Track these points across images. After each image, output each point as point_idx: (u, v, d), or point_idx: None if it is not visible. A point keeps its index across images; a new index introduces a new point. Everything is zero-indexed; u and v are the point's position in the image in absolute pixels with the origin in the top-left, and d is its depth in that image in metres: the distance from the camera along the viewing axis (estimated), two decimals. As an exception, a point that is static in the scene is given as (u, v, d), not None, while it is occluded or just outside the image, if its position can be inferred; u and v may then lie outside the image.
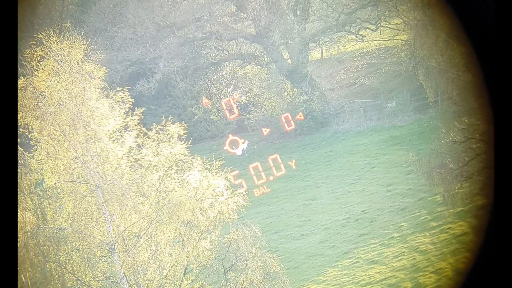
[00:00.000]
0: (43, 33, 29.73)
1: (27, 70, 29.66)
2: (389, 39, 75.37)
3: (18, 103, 29.18)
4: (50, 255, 29.63)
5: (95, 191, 30.08)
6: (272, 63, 73.72)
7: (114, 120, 30.41)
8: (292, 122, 65.81)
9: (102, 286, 30.62)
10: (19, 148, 29.11)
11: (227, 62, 78.44)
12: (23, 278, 29.06)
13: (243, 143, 64.21)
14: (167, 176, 30.92)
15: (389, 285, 40.73)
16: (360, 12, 72.58)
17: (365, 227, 48.34)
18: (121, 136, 30.69)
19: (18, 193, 29.19)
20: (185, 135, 31.37)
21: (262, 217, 54.14)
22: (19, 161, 29.44)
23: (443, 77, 38.84)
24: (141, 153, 30.92)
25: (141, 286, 30.56)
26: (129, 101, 30.70)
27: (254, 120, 73.73)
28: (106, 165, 30.21)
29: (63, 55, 29.76)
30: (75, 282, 29.99)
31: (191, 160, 31.30)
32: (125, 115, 30.64)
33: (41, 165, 30.11)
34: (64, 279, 29.78)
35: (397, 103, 67.87)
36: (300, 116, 67.73)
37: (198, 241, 31.19)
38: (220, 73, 78.76)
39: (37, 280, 29.25)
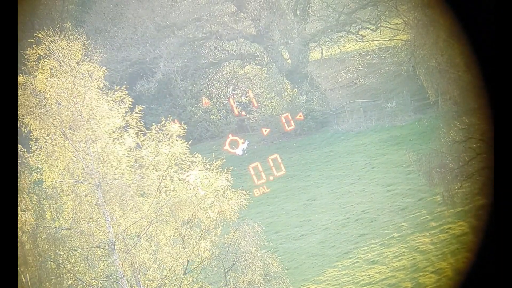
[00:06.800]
0: (43, 33, 29.72)
1: (28, 70, 29.65)
2: (389, 39, 75.38)
3: (18, 103, 29.18)
4: (50, 255, 29.61)
5: (95, 191, 30.06)
6: (272, 63, 73.70)
7: (114, 119, 30.38)
8: (292, 122, 65.82)
9: (102, 285, 30.60)
10: (19, 147, 29.11)
11: (227, 62, 78.44)
12: (23, 278, 29.05)
13: (243, 143, 64.21)
14: (167, 175, 30.90)
15: (389, 285, 40.72)
16: (360, 12, 72.56)
17: (365, 227, 48.33)
18: (121, 135, 30.68)
19: (18, 192, 29.17)
20: (185, 135, 31.34)
21: (262, 217, 54.11)
22: (19, 160, 29.41)
23: (444, 77, 38.84)
24: (141, 152, 30.90)
25: (142, 286, 30.56)
26: (129, 101, 30.67)
27: (254, 120, 73.73)
28: (106, 164, 30.20)
29: (63, 55, 29.75)
30: (75, 281, 29.96)
31: (191, 159, 31.28)
32: (125, 114, 30.61)
33: (41, 165, 30.09)
34: (64, 278, 29.75)
35: (397, 103, 67.89)
36: (300, 116, 67.72)
37: (199, 241, 31.18)
38: (220, 73, 78.76)
39: (37, 279, 29.23)
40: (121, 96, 30.55)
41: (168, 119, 31.49)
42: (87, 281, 30.15)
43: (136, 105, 30.90)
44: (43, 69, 29.72)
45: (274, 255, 33.64)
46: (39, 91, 29.71)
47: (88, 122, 29.90)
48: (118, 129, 30.62)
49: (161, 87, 74.23)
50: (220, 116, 74.21)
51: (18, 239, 28.59)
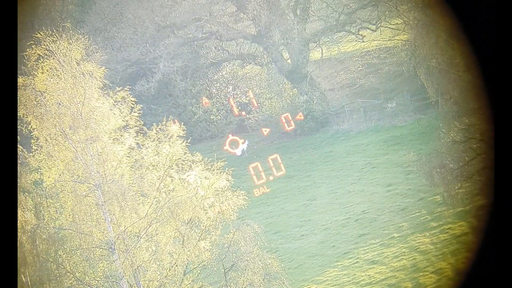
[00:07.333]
0: (43, 33, 29.70)
1: (28, 70, 29.65)
2: (390, 39, 75.36)
3: (19, 103, 29.18)
4: (50, 255, 29.62)
5: (95, 191, 30.05)
6: (272, 63, 73.71)
7: (115, 119, 30.37)
8: (292, 122, 65.86)
9: (102, 286, 30.61)
10: (19, 147, 29.10)
11: (227, 62, 78.45)
12: (23, 278, 29.05)
13: (243, 143, 64.23)
14: (167, 175, 30.90)
15: (389, 285, 40.72)
16: (360, 12, 72.56)
17: (365, 227, 48.33)
18: (121, 135, 30.66)
19: (18, 192, 29.17)
20: (185, 135, 31.32)
21: (262, 217, 54.12)
22: (19, 160, 29.42)
23: (444, 77, 38.87)
24: (141, 152, 30.89)
25: (141, 286, 30.55)
26: (131, 101, 30.64)
27: (254, 120, 73.74)
28: (106, 164, 30.19)
29: (64, 55, 29.74)
30: (75, 281, 29.97)
31: (191, 159, 31.26)
32: (126, 114, 30.58)
33: (41, 165, 30.08)
34: (64, 279, 29.76)
35: (398, 103, 67.85)
36: (299, 116, 67.73)
37: (199, 241, 31.17)
38: (220, 73, 78.76)
39: (37, 279, 29.23)
40: (122, 97, 30.54)
41: (169, 119, 31.48)
42: (87, 281, 30.16)
43: (136, 105, 30.87)
44: (43, 69, 29.72)
45: (274, 255, 33.65)
46: (39, 91, 29.72)
47: (88, 122, 29.89)
48: (118, 129, 30.61)
49: (161, 87, 74.23)
50: (220, 116, 74.23)
51: (18, 239, 28.59)
